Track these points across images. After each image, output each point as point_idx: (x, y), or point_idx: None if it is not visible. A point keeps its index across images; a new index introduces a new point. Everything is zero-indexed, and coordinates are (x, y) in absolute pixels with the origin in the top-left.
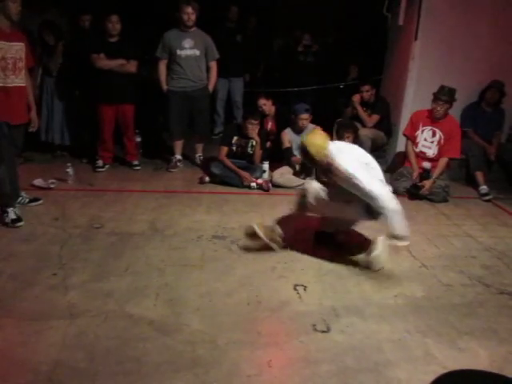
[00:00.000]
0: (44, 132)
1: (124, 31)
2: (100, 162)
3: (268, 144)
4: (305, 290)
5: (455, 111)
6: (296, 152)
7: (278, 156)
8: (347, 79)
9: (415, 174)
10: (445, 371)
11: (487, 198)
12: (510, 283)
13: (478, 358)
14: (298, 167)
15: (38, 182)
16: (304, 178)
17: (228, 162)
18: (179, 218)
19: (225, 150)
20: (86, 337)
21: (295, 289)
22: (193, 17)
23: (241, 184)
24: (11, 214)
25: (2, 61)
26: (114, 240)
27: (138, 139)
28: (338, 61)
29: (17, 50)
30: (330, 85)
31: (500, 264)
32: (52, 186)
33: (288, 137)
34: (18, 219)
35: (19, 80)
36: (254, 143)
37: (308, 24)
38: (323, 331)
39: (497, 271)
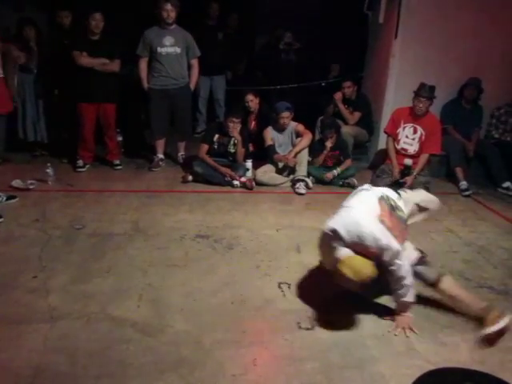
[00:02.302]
0: (21, 130)
1: (106, 29)
2: (80, 162)
3: (251, 147)
4: (289, 287)
5: (435, 108)
6: (279, 150)
7: (261, 154)
8: (329, 77)
9: (396, 171)
10: (428, 365)
11: (467, 193)
12: (489, 277)
13: (460, 351)
14: (280, 165)
15: (16, 182)
16: (287, 176)
17: (208, 159)
18: (162, 217)
19: (205, 147)
20: (68, 340)
21: (279, 287)
22: (172, 14)
23: (224, 182)
24: None
25: None
26: (96, 241)
27: (120, 138)
28: (319, 59)
29: None
30: (312, 83)
31: (480, 258)
32: (31, 186)
33: (270, 135)
34: None
35: None
36: (236, 141)
37: (290, 22)
38: (307, 328)
39: (477, 265)
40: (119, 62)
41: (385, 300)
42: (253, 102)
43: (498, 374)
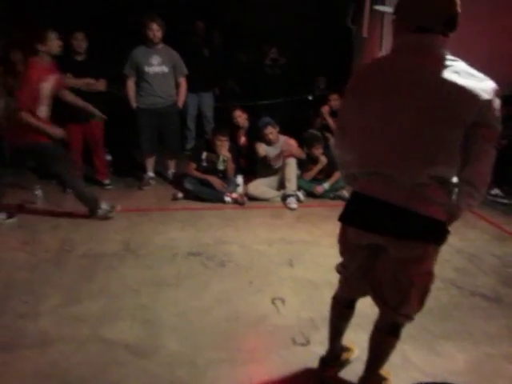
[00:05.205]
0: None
1: (91, 49)
2: None
3: (242, 162)
4: (283, 303)
5: None
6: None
7: (252, 169)
8: (315, 90)
9: None
10: (424, 377)
11: None
12: (481, 285)
13: (456, 361)
14: (271, 178)
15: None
16: (278, 190)
17: (197, 173)
18: (153, 236)
19: (193, 165)
20: (59, 365)
21: (273, 302)
22: (158, 34)
23: (215, 199)
24: None
25: (47, 97)
26: (86, 262)
27: (108, 157)
28: (305, 73)
29: (56, 83)
30: (299, 96)
31: (471, 266)
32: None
33: (263, 148)
34: None
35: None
36: (226, 158)
37: (274, 37)
38: (303, 344)
39: (468, 273)
40: (105, 81)
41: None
42: (241, 117)
43: (493, 382)
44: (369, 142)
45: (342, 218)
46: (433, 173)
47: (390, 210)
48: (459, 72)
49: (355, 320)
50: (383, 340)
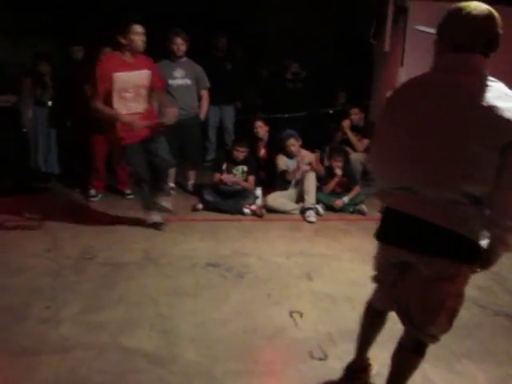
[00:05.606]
0: (33, 160)
1: None
2: (93, 191)
3: (261, 174)
4: (301, 316)
5: None
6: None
7: (271, 181)
8: (336, 105)
9: None
10: None
11: None
12: (504, 304)
13: (477, 381)
14: (291, 190)
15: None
16: (297, 202)
17: (224, 177)
18: (173, 246)
19: (217, 175)
20: (79, 371)
21: (291, 315)
22: (182, 47)
23: (234, 210)
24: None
25: (124, 90)
26: (107, 270)
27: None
28: (326, 87)
29: (140, 78)
30: (319, 110)
31: (494, 285)
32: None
33: (283, 160)
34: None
35: (139, 106)
36: (246, 169)
37: (296, 52)
38: (320, 358)
39: (491, 292)
40: None
41: (398, 327)
42: (262, 128)
43: None
44: (404, 157)
45: (376, 235)
46: (467, 190)
47: (422, 227)
48: (498, 94)
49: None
50: (406, 358)
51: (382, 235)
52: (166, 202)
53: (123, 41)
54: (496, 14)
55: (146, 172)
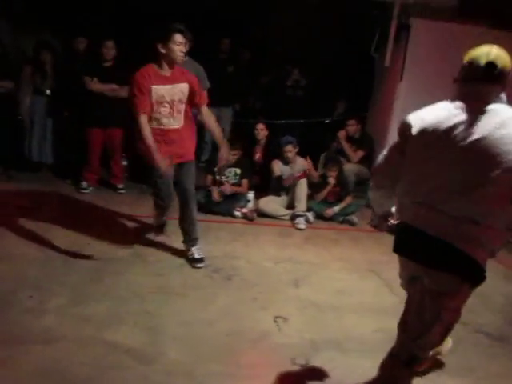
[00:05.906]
0: (27, 149)
1: (118, 56)
2: (84, 184)
3: (255, 178)
4: (285, 322)
5: None
6: None
7: (265, 186)
8: (334, 114)
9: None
10: None
11: None
12: (485, 323)
13: None
14: (283, 197)
15: None
16: (288, 209)
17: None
18: (162, 244)
19: (210, 178)
20: (61, 363)
21: (275, 321)
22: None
23: (226, 212)
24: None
25: (159, 105)
26: (95, 264)
27: (124, 163)
28: (325, 96)
29: (176, 92)
30: (317, 119)
31: (476, 302)
32: None
33: (278, 166)
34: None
35: (175, 122)
36: (238, 171)
37: (297, 59)
38: (302, 365)
39: (474, 310)
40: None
41: (381, 337)
42: (262, 131)
43: None
44: (428, 177)
45: (393, 248)
46: (484, 210)
47: (434, 243)
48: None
49: (358, 346)
50: (397, 368)
51: (396, 248)
52: (197, 252)
53: (162, 50)
54: None
55: (169, 199)
